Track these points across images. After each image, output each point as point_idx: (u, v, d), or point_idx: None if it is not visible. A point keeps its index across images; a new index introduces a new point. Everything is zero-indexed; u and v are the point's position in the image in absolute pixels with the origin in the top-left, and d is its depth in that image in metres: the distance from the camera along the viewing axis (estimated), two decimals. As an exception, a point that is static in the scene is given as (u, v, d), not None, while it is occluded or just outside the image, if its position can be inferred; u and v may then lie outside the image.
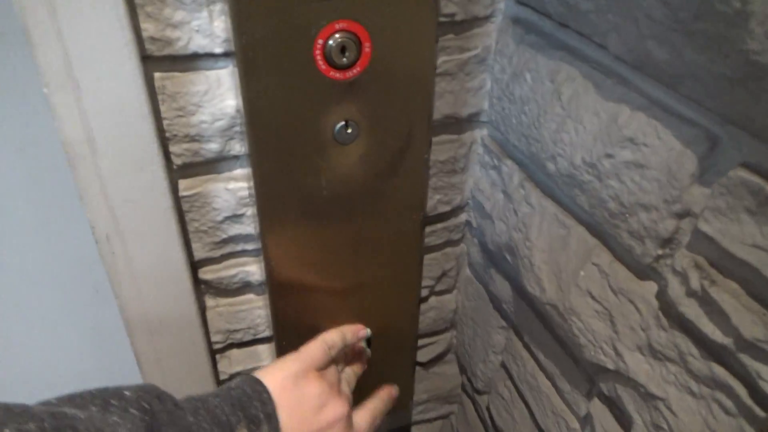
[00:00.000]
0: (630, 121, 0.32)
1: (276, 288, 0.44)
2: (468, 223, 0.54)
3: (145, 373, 0.47)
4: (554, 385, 0.46)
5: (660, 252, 0.32)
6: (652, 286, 0.33)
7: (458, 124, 0.48)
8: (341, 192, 0.41)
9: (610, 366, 0.37)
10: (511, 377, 0.53)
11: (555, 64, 0.38)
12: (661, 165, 0.30)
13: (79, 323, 0.62)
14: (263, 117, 0.36)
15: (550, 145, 0.39)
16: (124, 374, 0.63)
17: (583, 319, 0.39)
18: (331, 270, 0.45)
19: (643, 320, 0.34)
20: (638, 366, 0.34)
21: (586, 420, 0.42)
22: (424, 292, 0.57)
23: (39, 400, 0.29)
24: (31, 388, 0.67)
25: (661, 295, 0.32)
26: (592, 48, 0.35)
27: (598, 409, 0.40)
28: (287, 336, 0.48)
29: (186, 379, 0.48)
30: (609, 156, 0.34)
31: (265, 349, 0.54)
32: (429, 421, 0.71)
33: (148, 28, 0.35)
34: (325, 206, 0.41)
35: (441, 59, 0.44)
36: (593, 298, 0.37)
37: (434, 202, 0.51)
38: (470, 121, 0.48)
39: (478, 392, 0.62)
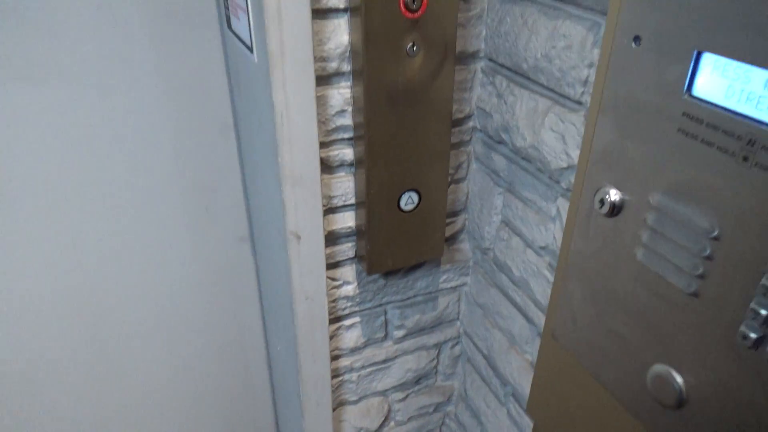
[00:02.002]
0: (562, 26, 0.64)
1: (369, 162, 0.74)
2: (474, 128, 0.86)
3: (288, 217, 0.75)
4: (534, 208, 0.77)
5: (582, 89, 0.64)
6: (581, 114, 0.65)
7: (466, 57, 0.80)
8: (408, 88, 0.72)
9: (564, 164, 0.68)
10: (508, 223, 0.84)
11: (521, 9, 0.70)
12: (578, 43, 0.62)
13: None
14: (370, 41, 0.67)
15: (522, 52, 0.71)
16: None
17: (548, 144, 0.70)
18: (398, 145, 0.75)
19: (578, 131, 0.65)
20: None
21: (555, 216, 0.73)
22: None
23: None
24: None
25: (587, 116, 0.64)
26: (541, -3, 0.67)
27: (561, 203, 0.71)
28: (371, 201, 0.77)
29: (310, 223, 0.77)
30: (553, 47, 0.66)
31: (350, 215, 0.84)
32: (449, 290, 1.00)
33: (310, -7, 0.66)
34: (400, 98, 0.72)
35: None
36: (552, 130, 0.69)
37: (454, 110, 0.83)
38: (473, 56, 0.80)
39: (485, 252, 0.92)
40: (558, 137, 0.68)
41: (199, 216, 0.99)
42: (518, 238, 0.82)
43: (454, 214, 0.92)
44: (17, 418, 1.00)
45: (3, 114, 0.79)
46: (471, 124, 0.86)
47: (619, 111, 0.41)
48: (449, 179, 0.88)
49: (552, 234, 0.74)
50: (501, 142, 0.80)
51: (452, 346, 1.07)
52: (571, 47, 0.63)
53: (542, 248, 0.76)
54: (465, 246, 0.96)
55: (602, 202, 0.43)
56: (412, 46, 0.69)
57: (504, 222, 0.84)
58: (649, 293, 0.42)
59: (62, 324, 0.96)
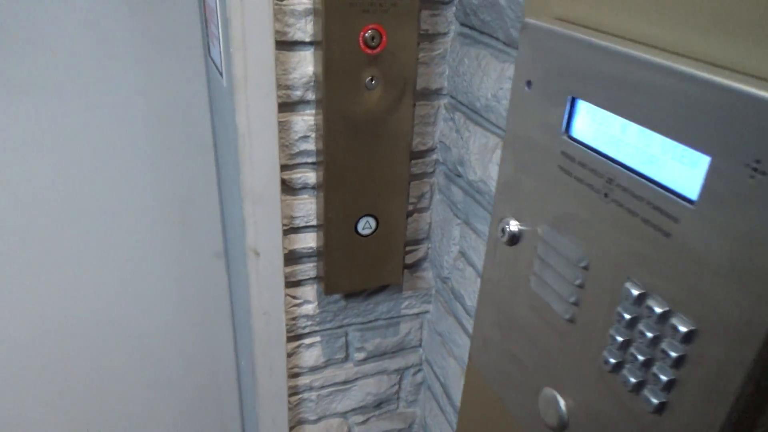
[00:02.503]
0: (508, 69, 0.68)
1: (328, 186, 0.78)
2: (437, 160, 0.90)
3: (247, 233, 0.79)
4: (485, 239, 0.80)
5: (524, 129, 0.67)
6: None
7: (429, 93, 0.84)
8: (367, 119, 0.76)
9: (507, 199, 0.71)
10: (464, 254, 0.87)
11: (476, 51, 0.75)
12: (520, 85, 0.66)
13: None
14: (330, 73, 0.72)
15: (476, 91, 0.75)
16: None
17: (494, 178, 0.73)
18: (357, 172, 0.79)
19: (520, 167, 0.69)
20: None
21: (501, 249, 0.76)
22: (410, 208, 0.92)
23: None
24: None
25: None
26: (492, 40, 0.72)
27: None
28: (329, 224, 0.81)
29: (269, 240, 0.81)
30: (500, 88, 0.70)
31: (312, 236, 0.87)
32: (412, 316, 1.02)
33: (276, 25, 0.71)
34: (358, 128, 0.76)
35: (421, 54, 0.80)
36: (498, 165, 0.72)
37: (416, 143, 0.87)
38: (437, 93, 0.84)
39: (444, 281, 0.95)
40: (503, 173, 0.72)
41: (176, 231, 1.03)
42: (471, 268, 0.85)
43: (417, 242, 0.96)
44: (-15, 415, 1.03)
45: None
46: (434, 156, 0.89)
47: (517, 147, 0.45)
48: (413, 208, 0.92)
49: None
50: (458, 175, 0.84)
51: (414, 373, 1.09)
52: (514, 89, 0.67)
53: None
54: (428, 274, 0.99)
55: (503, 231, 0.47)
56: (371, 80, 0.74)
57: (461, 252, 0.87)
58: (539, 319, 0.45)
59: (34, 335, 1.00)
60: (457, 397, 0.94)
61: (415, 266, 0.98)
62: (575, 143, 0.39)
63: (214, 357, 1.17)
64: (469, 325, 0.87)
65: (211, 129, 0.97)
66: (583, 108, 0.38)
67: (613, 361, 0.38)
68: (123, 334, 1.07)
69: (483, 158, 0.76)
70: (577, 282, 0.40)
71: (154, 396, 1.15)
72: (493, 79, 0.72)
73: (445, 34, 0.81)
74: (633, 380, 0.36)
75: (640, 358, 0.36)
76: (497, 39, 0.71)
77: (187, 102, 0.93)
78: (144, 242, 1.01)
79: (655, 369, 0.35)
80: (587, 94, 0.37)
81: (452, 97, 0.83)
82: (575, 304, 0.41)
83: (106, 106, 0.89)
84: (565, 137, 0.40)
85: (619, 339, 0.37)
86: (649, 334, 0.35)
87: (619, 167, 0.36)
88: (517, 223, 0.46)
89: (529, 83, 0.43)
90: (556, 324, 0.43)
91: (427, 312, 1.02)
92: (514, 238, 0.46)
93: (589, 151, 0.38)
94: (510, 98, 0.45)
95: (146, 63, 0.88)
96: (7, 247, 0.92)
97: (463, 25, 0.78)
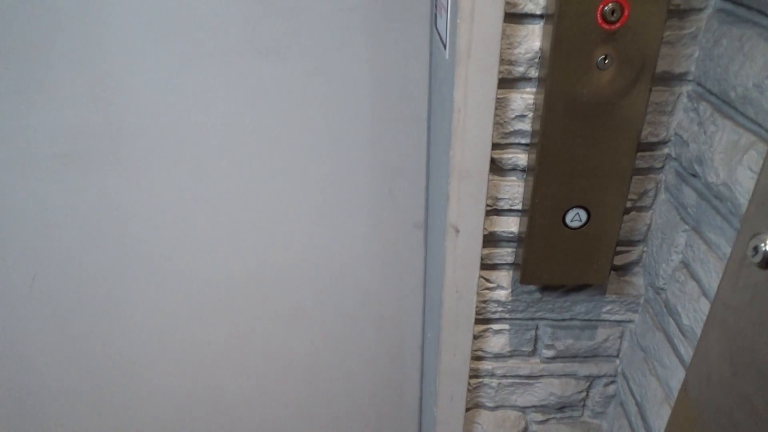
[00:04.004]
0: (782, 53, 0.56)
1: (539, 170, 0.74)
2: (668, 155, 0.79)
3: (450, 209, 0.78)
4: (719, 253, 0.69)
5: (793, 127, 0.55)
6: (787, 152, 0.56)
7: (671, 78, 0.74)
8: (593, 101, 0.69)
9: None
10: (687, 265, 0.76)
11: (740, 31, 0.63)
12: (797, 74, 0.54)
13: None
14: (558, 49, 0.67)
15: (733, 79, 0.64)
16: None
17: (743, 185, 0.62)
18: (573, 159, 0.73)
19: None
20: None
21: (738, 266, 0.64)
22: (628, 204, 0.82)
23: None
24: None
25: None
26: (763, 18, 0.60)
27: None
28: (535, 210, 0.76)
29: (471, 218, 0.79)
30: (768, 76, 0.58)
31: (514, 221, 0.84)
32: (613, 323, 0.93)
33: (507, -3, 0.68)
34: (582, 111, 0.70)
35: (666, 33, 0.70)
36: (750, 169, 0.61)
37: (646, 133, 0.77)
38: (680, 79, 0.74)
39: (658, 292, 0.84)
40: (755, 179, 0.60)
41: (382, 198, 1.06)
42: (695, 283, 0.74)
43: (631, 243, 0.86)
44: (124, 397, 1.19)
45: (237, 82, 0.94)
46: (666, 150, 0.79)
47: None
48: (631, 205, 0.83)
49: (730, 285, 0.65)
50: (694, 174, 0.73)
51: (606, 384, 1.00)
52: (787, 78, 0.56)
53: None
54: (638, 280, 0.89)
55: (756, 249, 0.39)
56: (604, 59, 0.67)
57: (683, 263, 0.77)
58: (788, 363, 0.36)
59: (235, 302, 1.12)
60: (654, 421, 0.84)
61: (624, 269, 0.88)
62: None
63: (403, 323, 1.20)
64: (682, 346, 0.77)
65: (427, 102, 0.97)
66: None
67: None
68: (318, 290, 1.14)
69: (730, 158, 0.65)
70: None
71: (341, 352, 1.22)
72: (758, 65, 0.60)
73: (700, 10, 0.70)
74: None
75: None
76: (772, 16, 0.59)
77: (408, 73, 0.95)
78: (350, 205, 1.06)
79: None
80: None
81: (699, 84, 0.72)
82: None
83: (331, 71, 0.94)
84: None
85: None
86: None
87: None
88: (774, 241, 0.38)
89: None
90: (812, 374, 0.34)
91: (631, 321, 0.93)
92: None
93: None
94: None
95: (373, 31, 0.91)
96: (218, 204, 1.04)
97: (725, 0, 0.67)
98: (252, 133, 0.99)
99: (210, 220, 1.05)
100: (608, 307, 0.92)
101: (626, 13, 0.64)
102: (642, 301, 0.90)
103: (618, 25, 0.65)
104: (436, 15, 0.85)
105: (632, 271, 0.89)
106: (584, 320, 0.93)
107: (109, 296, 1.10)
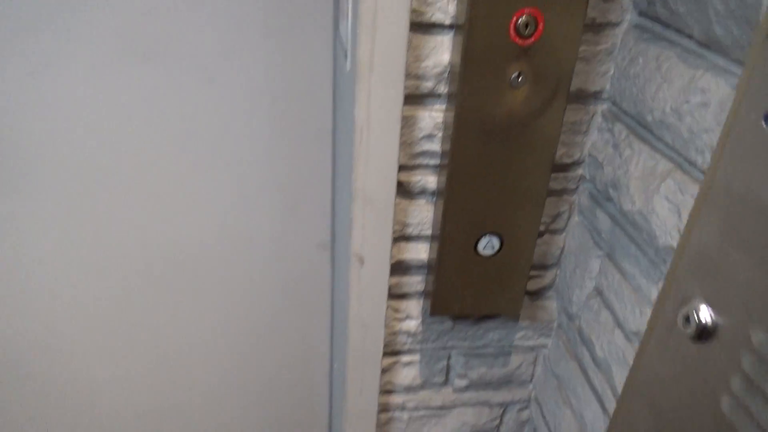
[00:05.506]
0: (701, 78, 0.52)
1: (449, 195, 0.67)
2: (582, 176, 0.75)
3: (353, 238, 0.70)
4: (633, 284, 0.65)
5: (713, 158, 0.51)
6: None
7: (586, 97, 0.69)
8: (506, 121, 0.63)
9: (676, 244, 0.56)
10: (600, 293, 0.72)
11: (658, 50, 0.59)
12: (716, 102, 0.51)
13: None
14: (469, 65, 0.60)
15: (650, 101, 0.60)
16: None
17: (659, 215, 0.58)
18: (486, 183, 0.67)
19: (699, 206, 0.53)
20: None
21: (653, 302, 0.61)
22: (541, 227, 0.78)
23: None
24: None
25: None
26: (683, 37, 0.56)
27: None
28: (445, 238, 0.70)
29: (377, 247, 0.71)
30: (686, 101, 0.54)
31: (424, 247, 0.77)
32: (527, 348, 0.89)
33: (413, 3, 0.60)
34: (494, 132, 0.64)
35: (581, 48, 0.66)
36: (667, 199, 0.57)
37: (560, 154, 0.72)
38: (594, 97, 0.70)
39: (571, 318, 0.80)
40: (673, 209, 0.56)
41: (284, 216, 0.97)
42: (608, 312, 0.70)
43: (544, 267, 0.82)
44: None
45: (112, 88, 0.81)
46: (579, 171, 0.75)
47: (730, 206, 0.31)
48: (544, 228, 0.78)
49: (647, 320, 0.61)
50: (609, 199, 0.69)
51: (520, 410, 0.96)
52: (707, 105, 0.52)
53: (633, 333, 0.64)
54: (551, 305, 0.85)
55: (688, 319, 0.33)
56: (518, 77, 0.61)
57: (597, 290, 0.73)
58: (728, 455, 0.31)
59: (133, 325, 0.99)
60: (569, 454, 0.81)
61: (537, 294, 0.84)
62: None
63: (309, 346, 1.11)
64: (596, 378, 0.73)
65: (331, 115, 0.89)
66: None
67: None
68: (219, 313, 1.04)
69: (647, 186, 0.61)
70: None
71: (244, 378, 1.12)
72: (676, 88, 0.56)
73: (616, 24, 0.66)
74: None
75: None
76: (689, 37, 0.55)
77: (310, 82, 0.86)
78: (251, 222, 0.96)
79: None
80: None
81: (614, 103, 0.68)
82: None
83: (226, 78, 0.83)
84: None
85: None
86: None
87: None
88: (711, 312, 0.32)
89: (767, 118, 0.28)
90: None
91: (544, 346, 0.89)
92: (704, 333, 0.32)
93: None
94: (730, 133, 0.31)
95: (271, 35, 0.81)
96: (110, 230, 0.91)
97: (642, 15, 0.63)
98: (132, 149, 0.86)
99: (94, 249, 0.91)
100: (521, 333, 0.87)
101: (540, 26, 0.59)
102: (555, 325, 0.86)
103: (532, 39, 0.59)
104: (338, 20, 0.76)
105: (545, 296, 0.84)
106: (498, 347, 0.88)
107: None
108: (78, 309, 0.97)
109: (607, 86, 0.69)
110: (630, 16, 0.65)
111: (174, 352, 1.05)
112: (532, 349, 0.89)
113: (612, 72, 0.68)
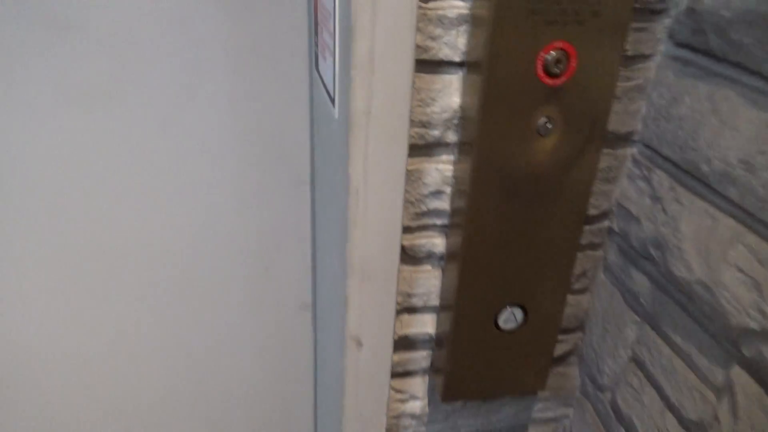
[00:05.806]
0: (783, 123, 0.43)
1: (465, 261, 0.56)
2: (609, 229, 0.65)
3: (349, 318, 0.58)
4: (689, 363, 0.54)
5: (804, 222, 0.42)
6: (795, 252, 0.43)
7: (616, 140, 0.59)
8: (531, 174, 0.53)
9: (756, 326, 0.46)
10: (642, 366, 0.61)
11: (711, 88, 0.49)
12: (809, 153, 0.41)
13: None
14: (490, 109, 0.49)
15: (705, 149, 0.50)
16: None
17: (729, 288, 0.48)
18: (507, 246, 0.56)
19: (787, 280, 0.43)
20: (781, 317, 0.43)
21: (724, 389, 0.50)
22: (564, 288, 0.67)
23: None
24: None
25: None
26: (745, 74, 0.46)
27: (738, 375, 0.49)
28: (460, 311, 0.58)
29: (377, 327, 0.59)
30: (762, 152, 0.44)
31: (431, 319, 0.65)
32: (546, 420, 0.78)
33: (416, 38, 0.49)
34: (518, 187, 0.53)
35: (612, 85, 0.56)
36: (739, 269, 0.47)
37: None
38: (625, 139, 0.60)
39: (601, 389, 0.69)
40: (748, 283, 0.46)
41: (258, 276, 0.84)
42: (654, 392, 0.59)
43: (566, 331, 0.71)
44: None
45: (65, 131, 0.68)
46: (606, 223, 0.65)
47: None
48: (566, 289, 0.67)
49: (713, 411, 0.51)
50: (647, 257, 0.58)
51: (537, 486, 0.84)
52: (794, 157, 0.42)
53: (693, 423, 0.54)
54: (573, 371, 0.74)
55: None
56: (546, 123, 0.50)
57: (635, 361, 0.62)
58: None
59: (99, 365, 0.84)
60: None
61: (558, 360, 0.73)
62: None
63: (289, 417, 0.98)
64: (641, 466, 0.62)
65: (309, 162, 0.77)
66: None
67: None
68: (189, 384, 0.89)
69: (707, 250, 0.50)
70: None
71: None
72: (745, 135, 0.46)
73: (647, 57, 0.56)
74: None
75: None
76: (756, 74, 0.45)
77: (283, 125, 0.74)
78: (220, 288, 0.83)
79: None
80: None
81: (649, 147, 0.58)
82: None
83: (188, 119, 0.71)
84: None
85: None
86: None
87: None
88: None
89: None
90: None
91: (566, 417, 0.78)
92: None
93: None
94: None
95: (238, 72, 0.69)
96: (76, 275, 0.77)
97: (681, 46, 0.53)
98: (85, 200, 0.72)
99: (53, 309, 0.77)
100: (541, 405, 0.76)
101: (573, 63, 0.48)
102: (578, 394, 0.75)
103: (563, 78, 0.49)
104: (317, 54, 0.65)
105: (567, 362, 0.74)
106: (513, 423, 0.76)
107: None
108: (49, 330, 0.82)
109: (639, 127, 0.59)
110: (664, 47, 0.56)
111: (141, 416, 0.90)
112: (552, 420, 0.78)
113: (644, 111, 0.58)
